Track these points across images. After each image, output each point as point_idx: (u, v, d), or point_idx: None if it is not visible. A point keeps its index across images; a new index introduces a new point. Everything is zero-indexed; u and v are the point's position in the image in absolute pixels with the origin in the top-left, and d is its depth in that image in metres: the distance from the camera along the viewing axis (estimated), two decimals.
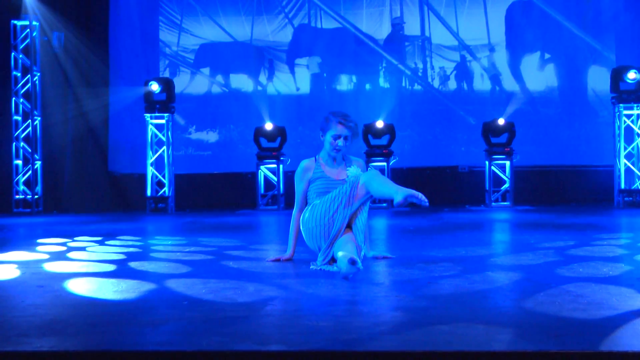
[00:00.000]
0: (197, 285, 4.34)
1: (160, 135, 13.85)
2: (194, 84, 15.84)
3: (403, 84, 15.61)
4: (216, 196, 14.81)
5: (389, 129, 13.94)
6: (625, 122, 13.18)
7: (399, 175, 14.24)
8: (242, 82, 15.89)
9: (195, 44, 15.84)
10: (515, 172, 13.43)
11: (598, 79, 14.76)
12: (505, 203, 13.46)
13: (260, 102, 15.25)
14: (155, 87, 13.60)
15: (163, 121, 13.84)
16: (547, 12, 15.05)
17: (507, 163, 13.40)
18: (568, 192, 14.00)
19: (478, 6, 15.30)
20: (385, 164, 13.83)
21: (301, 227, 5.39)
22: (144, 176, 13.91)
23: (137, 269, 5.21)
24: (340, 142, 5.41)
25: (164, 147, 13.84)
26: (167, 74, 15.48)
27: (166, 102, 13.71)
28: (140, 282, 4.53)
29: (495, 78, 15.28)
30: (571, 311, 3.39)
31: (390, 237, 8.24)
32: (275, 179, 14.05)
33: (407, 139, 15.08)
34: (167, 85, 13.77)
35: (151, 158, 13.83)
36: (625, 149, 13.20)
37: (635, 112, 13.12)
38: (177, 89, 14.40)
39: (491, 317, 3.37)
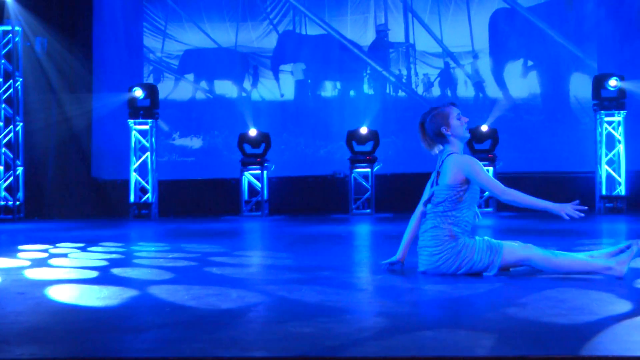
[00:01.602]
0: (180, 292, 4.32)
1: (143, 141, 13.82)
2: (178, 90, 15.82)
3: (387, 91, 15.66)
4: (200, 202, 14.78)
5: (373, 135, 13.96)
6: (606, 128, 13.27)
7: (382, 182, 14.28)
8: (226, 88, 15.89)
9: (179, 49, 15.83)
10: (498, 179, 13.46)
11: (580, 86, 14.86)
12: (488, 209, 13.52)
13: (245, 108, 15.25)
14: (139, 93, 13.57)
15: (147, 127, 13.80)
16: (530, 20, 15.14)
17: (491, 169, 13.45)
18: (550, 198, 13.99)
19: (462, 13, 15.37)
20: (369, 170, 13.86)
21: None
22: (127, 182, 13.86)
23: (120, 276, 5.19)
24: (462, 116, 5.04)
25: (148, 153, 13.81)
26: (151, 80, 15.46)
27: (150, 108, 13.68)
28: (123, 288, 4.51)
29: (478, 85, 15.35)
30: (553, 316, 3.40)
31: (374, 243, 8.24)
32: (259, 185, 14.04)
33: (391, 145, 15.11)
34: (151, 91, 13.75)
35: (134, 164, 13.78)
36: (606, 155, 13.28)
37: (616, 119, 13.21)
38: (161, 94, 14.38)
39: (474, 322, 3.38)
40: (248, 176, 14.18)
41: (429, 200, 4.97)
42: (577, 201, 4.71)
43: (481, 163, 4.94)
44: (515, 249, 4.78)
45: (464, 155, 4.97)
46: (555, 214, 4.74)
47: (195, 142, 15.73)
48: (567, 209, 4.66)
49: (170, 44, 15.85)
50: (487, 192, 5.00)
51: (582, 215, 4.67)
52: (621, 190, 13.18)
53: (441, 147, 5.06)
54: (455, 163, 4.89)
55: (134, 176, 13.78)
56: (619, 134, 13.21)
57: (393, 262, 5.16)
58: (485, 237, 4.87)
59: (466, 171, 4.85)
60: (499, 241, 4.84)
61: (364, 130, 14.01)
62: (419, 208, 5.16)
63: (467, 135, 5.03)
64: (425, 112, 5.17)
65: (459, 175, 4.86)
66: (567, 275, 4.69)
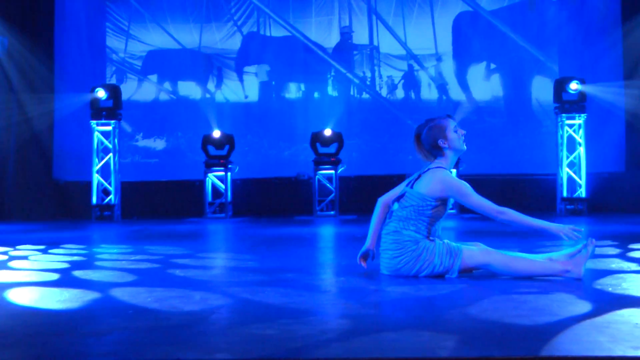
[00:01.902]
0: (142, 294, 4.30)
1: (106, 142, 13.71)
2: (141, 91, 15.72)
3: (351, 93, 15.69)
4: (163, 204, 14.69)
5: (337, 137, 13.98)
6: (567, 131, 13.41)
7: (347, 184, 14.31)
8: (190, 89, 15.82)
9: (142, 50, 15.73)
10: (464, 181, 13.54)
11: (542, 89, 15.00)
12: (451, 211, 13.60)
13: (209, 110, 15.19)
14: (101, 93, 13.45)
15: (109, 128, 13.69)
16: (492, 23, 15.26)
17: (454, 171, 13.52)
18: (512, 200, 14.08)
19: (426, 16, 15.45)
20: (333, 172, 13.88)
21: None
22: (89, 184, 13.73)
23: (81, 278, 5.14)
24: (459, 128, 5.03)
25: (110, 155, 13.69)
26: (113, 81, 15.34)
27: (113, 108, 13.56)
28: (84, 291, 4.47)
29: (442, 87, 15.44)
30: (514, 317, 3.43)
31: (338, 245, 8.26)
32: (223, 186, 13.99)
33: (355, 147, 15.14)
34: (114, 92, 13.63)
35: (97, 165, 13.66)
36: (567, 157, 13.42)
37: (577, 122, 13.35)
38: (124, 95, 14.27)
39: (437, 324, 3.40)
40: (212, 178, 14.13)
41: (398, 199, 4.98)
42: (573, 226, 4.74)
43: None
44: (474, 254, 4.81)
45: (453, 177, 4.96)
46: (552, 234, 4.76)
47: (158, 144, 15.64)
48: (565, 230, 4.71)
49: (134, 45, 15.74)
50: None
51: (579, 236, 4.72)
52: (582, 192, 13.33)
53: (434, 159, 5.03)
54: (442, 180, 4.88)
55: (96, 178, 13.65)
56: (579, 137, 13.35)
57: (364, 251, 5.15)
58: (446, 241, 4.89)
59: (454, 193, 4.87)
60: (458, 245, 4.87)
61: (328, 132, 14.02)
62: (385, 198, 5.18)
63: (464, 147, 5.03)
64: (421, 124, 5.13)
65: (440, 193, 4.87)
66: (527, 277, 4.73)
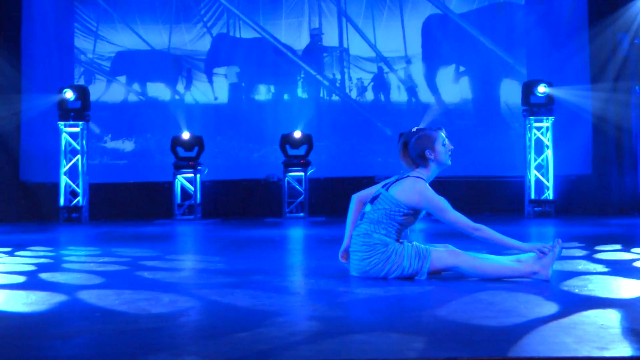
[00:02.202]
0: (110, 297, 4.27)
1: (74, 143, 13.60)
2: (110, 92, 15.63)
3: (321, 95, 15.71)
4: (132, 206, 14.60)
5: (307, 139, 13.99)
6: (535, 134, 13.52)
7: (316, 186, 14.32)
8: (159, 90, 15.75)
9: (111, 51, 15.63)
10: (432, 184, 13.61)
11: (510, 92, 15.12)
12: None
13: (178, 111, 15.13)
14: (69, 94, 13.35)
15: (77, 129, 13.59)
16: (462, 26, 15.36)
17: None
18: (481, 202, 14.25)
19: (395, 19, 15.51)
20: (302, 174, 13.89)
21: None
22: (57, 185, 13.62)
23: (48, 281, 5.10)
24: (448, 142, 5.05)
25: (78, 156, 13.59)
26: (82, 82, 15.23)
27: (81, 110, 13.46)
28: (51, 293, 4.43)
29: (411, 90, 15.50)
30: (482, 319, 3.45)
31: (307, 247, 8.26)
32: (193, 188, 13.94)
33: (325, 149, 15.15)
34: (82, 93, 13.54)
35: (65, 167, 13.56)
36: (535, 160, 13.54)
37: (545, 124, 13.47)
38: (93, 97, 14.17)
39: (405, 325, 3.41)
40: (181, 179, 14.07)
41: (372, 200, 4.98)
42: (544, 244, 4.79)
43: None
44: (443, 256, 4.83)
45: (432, 191, 4.91)
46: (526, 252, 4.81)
47: (127, 145, 15.55)
48: (538, 247, 4.77)
49: (102, 46, 15.64)
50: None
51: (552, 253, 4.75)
52: (549, 194, 13.44)
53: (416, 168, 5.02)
54: (420, 193, 4.87)
55: (64, 179, 13.54)
56: (547, 140, 13.47)
57: (344, 249, 5.13)
58: (415, 243, 4.90)
59: (430, 208, 4.86)
60: (427, 247, 4.88)
61: (297, 134, 14.02)
62: (360, 195, 5.19)
63: (449, 162, 5.05)
64: (410, 132, 5.11)
65: (416, 204, 4.87)
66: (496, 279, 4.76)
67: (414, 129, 5.16)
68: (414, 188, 4.88)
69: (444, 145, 5.01)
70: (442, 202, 4.85)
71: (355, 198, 5.23)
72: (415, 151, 5.00)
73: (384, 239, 4.85)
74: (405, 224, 4.92)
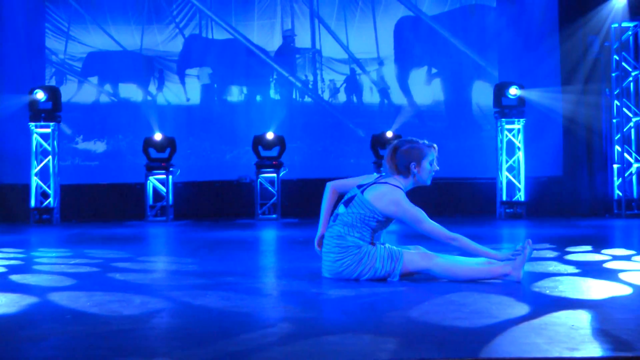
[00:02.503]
0: (81, 299, 4.24)
1: (45, 144, 13.50)
2: (81, 93, 15.51)
3: (294, 96, 15.70)
4: (104, 207, 14.51)
5: (279, 141, 13.98)
6: (507, 136, 13.61)
7: (289, 187, 14.31)
8: (131, 91, 15.66)
9: (82, 52, 15.52)
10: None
11: (482, 94, 15.20)
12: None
13: (150, 112, 15.05)
14: (40, 95, 13.25)
15: (49, 130, 13.49)
16: (434, 28, 15.41)
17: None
18: (452, 204, 14.32)
19: (367, 20, 15.54)
20: (275, 175, 13.87)
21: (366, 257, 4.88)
22: (27, 187, 13.50)
23: (19, 282, 5.05)
24: (435, 164, 5.05)
25: (50, 157, 13.49)
26: (53, 82, 15.10)
27: (52, 111, 13.36)
28: (22, 295, 4.39)
29: (384, 91, 15.54)
30: (454, 320, 3.47)
31: (280, 248, 8.25)
32: (165, 190, 13.87)
33: (297, 150, 15.15)
34: (53, 93, 13.43)
35: (35, 168, 13.45)
36: (507, 162, 13.63)
37: (516, 126, 13.57)
38: (64, 97, 14.06)
39: (378, 327, 3.42)
40: (153, 181, 14.00)
41: (346, 203, 4.98)
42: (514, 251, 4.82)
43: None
44: (415, 258, 4.84)
45: (408, 202, 4.87)
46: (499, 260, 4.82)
47: (99, 146, 15.45)
48: (509, 256, 4.80)
49: (74, 46, 15.52)
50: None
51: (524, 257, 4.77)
52: (521, 196, 13.54)
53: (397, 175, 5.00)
54: (397, 203, 4.85)
55: (34, 180, 13.43)
56: (518, 141, 13.56)
57: (319, 237, 5.12)
58: (387, 245, 4.91)
59: (407, 218, 4.85)
60: (400, 249, 4.89)
61: (270, 135, 14.01)
62: (335, 183, 5.18)
63: (428, 183, 5.06)
64: (404, 139, 5.10)
65: (392, 214, 4.87)
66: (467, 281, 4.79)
67: (409, 138, 5.14)
68: (391, 198, 4.85)
69: (430, 164, 4.99)
70: (418, 214, 4.84)
71: (330, 186, 5.21)
72: (402, 161, 4.96)
73: (357, 241, 4.85)
74: (379, 228, 4.93)
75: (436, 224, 4.84)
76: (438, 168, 5.06)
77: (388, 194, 4.86)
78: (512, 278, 4.72)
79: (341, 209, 4.97)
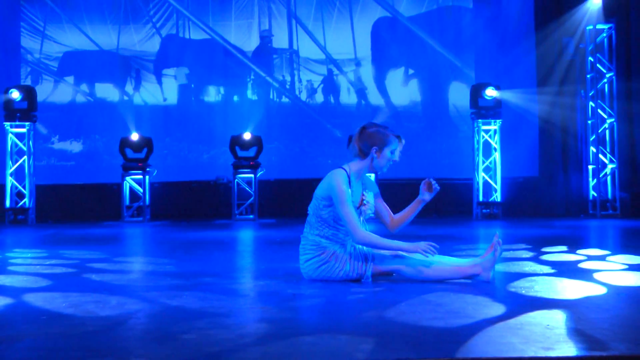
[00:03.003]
0: (57, 299, 4.22)
1: (20, 144, 13.41)
2: (57, 92, 15.41)
3: (271, 96, 15.69)
4: (80, 208, 14.43)
5: (257, 141, 13.96)
6: (483, 137, 13.68)
7: (266, 187, 14.30)
8: (107, 91, 15.58)
9: (58, 51, 15.42)
10: (380, 185, 13.69)
11: (459, 95, 15.26)
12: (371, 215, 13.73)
13: (127, 112, 14.99)
14: (15, 94, 13.16)
15: (24, 130, 13.40)
16: (411, 29, 15.45)
17: (372, 176, 13.64)
18: (429, 204, 14.24)
19: (345, 21, 15.56)
20: (252, 175, 13.85)
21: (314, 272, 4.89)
22: (2, 187, 13.41)
23: None
24: (397, 155, 5.05)
25: (25, 157, 13.40)
26: (28, 82, 14.99)
27: (27, 110, 13.28)
28: None
29: (361, 92, 15.56)
30: (430, 320, 3.49)
31: (257, 249, 8.24)
32: (141, 190, 13.82)
33: (275, 151, 15.14)
34: (29, 93, 13.35)
35: (11, 168, 13.35)
36: (483, 162, 13.69)
37: (492, 127, 13.64)
38: (40, 97, 13.98)
39: (354, 327, 3.42)
40: (129, 181, 13.93)
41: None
42: (428, 242, 4.77)
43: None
44: (386, 259, 4.83)
45: (340, 181, 4.84)
46: (411, 252, 4.79)
47: (75, 146, 15.36)
48: (421, 246, 4.74)
49: (50, 46, 15.43)
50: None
51: (435, 251, 4.73)
52: (497, 196, 13.61)
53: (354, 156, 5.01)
54: (330, 180, 4.87)
55: (10, 180, 13.34)
56: (495, 142, 13.63)
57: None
58: (358, 246, 4.90)
59: (333, 196, 4.82)
60: (370, 250, 4.88)
61: (247, 135, 13.99)
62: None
63: (384, 171, 5.07)
64: (376, 123, 5.11)
65: (326, 191, 4.86)
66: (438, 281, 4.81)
67: (381, 123, 5.17)
68: (328, 178, 4.89)
69: (391, 153, 4.99)
70: (342, 194, 4.79)
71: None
72: (366, 141, 4.97)
73: (318, 239, 4.85)
74: (329, 217, 4.88)
75: (353, 214, 4.78)
76: (398, 159, 5.06)
77: (328, 177, 4.91)
78: (482, 278, 4.74)
79: (310, 210, 4.98)
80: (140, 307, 3.96)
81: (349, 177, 4.92)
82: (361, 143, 4.98)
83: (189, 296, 4.32)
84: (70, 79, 15.53)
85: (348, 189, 4.84)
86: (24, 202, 13.34)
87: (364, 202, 4.94)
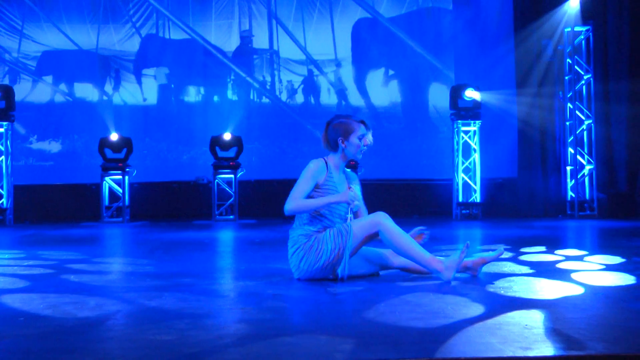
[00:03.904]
0: (35, 301, 4.19)
1: None
2: (35, 92, 15.32)
3: (251, 97, 15.67)
4: (59, 208, 14.35)
5: (237, 141, 13.94)
6: (463, 137, 13.73)
7: (246, 188, 14.28)
8: (87, 91, 15.51)
9: (37, 50, 15.33)
10: (363, 185, 13.71)
11: (438, 96, 15.31)
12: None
13: (106, 112, 14.92)
14: None
15: (2, 130, 13.31)
16: (391, 30, 15.49)
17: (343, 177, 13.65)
18: (409, 205, 14.41)
19: (325, 22, 15.57)
20: (232, 176, 13.83)
21: (301, 263, 4.92)
22: None
23: None
24: (369, 139, 5.06)
25: (3, 157, 13.30)
26: (6, 81, 14.89)
27: (5, 110, 13.19)
28: None
29: (341, 93, 15.58)
30: (410, 320, 3.50)
31: (237, 249, 8.23)
32: (121, 190, 13.76)
33: (255, 151, 15.13)
34: (7, 92, 13.26)
35: None
36: (463, 163, 13.74)
37: (472, 128, 13.69)
38: (18, 97, 13.89)
39: (334, 328, 3.42)
40: (109, 181, 13.87)
41: None
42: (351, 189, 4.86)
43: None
44: (364, 225, 4.86)
45: (310, 166, 4.99)
46: (341, 203, 4.89)
47: (53, 146, 15.27)
48: (346, 195, 4.84)
49: (28, 45, 15.33)
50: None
51: (355, 201, 4.84)
52: (476, 197, 13.66)
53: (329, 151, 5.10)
54: (306, 167, 5.00)
55: None
56: (474, 143, 13.69)
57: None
58: (337, 225, 4.94)
59: (299, 178, 4.96)
60: (348, 223, 4.92)
61: (227, 136, 13.97)
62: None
63: (359, 157, 5.09)
64: (339, 114, 5.20)
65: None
66: (405, 264, 4.83)
67: (343, 114, 5.24)
68: (306, 166, 4.99)
69: (360, 139, 5.03)
70: (308, 172, 4.94)
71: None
72: (331, 135, 5.07)
73: (305, 228, 4.91)
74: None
75: (302, 192, 4.88)
76: (370, 142, 5.09)
77: (306, 167, 4.99)
78: (443, 277, 4.78)
79: None
80: (119, 308, 3.94)
81: (327, 166, 5.02)
82: (328, 138, 5.09)
83: (168, 297, 4.31)
84: (48, 79, 15.45)
85: (318, 174, 4.96)
86: (2, 203, 13.24)
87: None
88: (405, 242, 4.82)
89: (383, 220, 4.84)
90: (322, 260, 4.85)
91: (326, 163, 5.04)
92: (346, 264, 4.82)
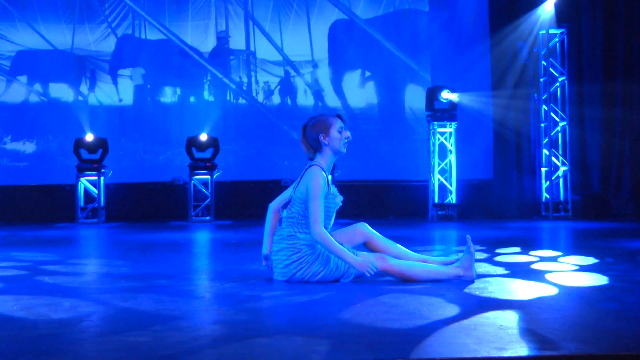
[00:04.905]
0: (8, 302, 4.16)
1: None
2: (9, 92, 15.20)
3: (228, 98, 15.64)
4: (33, 209, 14.24)
5: (213, 142, 13.91)
6: (439, 139, 13.77)
7: (222, 189, 14.25)
8: (61, 91, 15.41)
9: (11, 50, 15.21)
10: (338, 186, 13.71)
11: (415, 98, 15.34)
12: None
13: (81, 113, 14.83)
14: None
15: None
16: (367, 31, 15.52)
17: (329, 177, 13.65)
18: (385, 206, 14.44)
19: (302, 23, 15.57)
20: (209, 177, 13.79)
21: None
22: None
23: None
24: (348, 133, 5.03)
25: None
26: None
27: None
28: None
29: (318, 94, 15.58)
30: (385, 321, 3.51)
31: (213, 251, 8.21)
32: (96, 191, 13.68)
33: (231, 152, 15.10)
34: None
35: None
36: (439, 164, 13.78)
37: (448, 129, 13.73)
38: None
39: (310, 329, 3.43)
40: (84, 182, 13.79)
41: (285, 206, 5.00)
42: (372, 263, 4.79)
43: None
44: (370, 258, 4.87)
45: (320, 177, 4.89)
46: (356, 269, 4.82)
47: (28, 147, 15.16)
48: (365, 267, 4.76)
49: (2, 44, 15.20)
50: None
51: (372, 272, 4.75)
52: (452, 198, 13.71)
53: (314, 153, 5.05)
54: (309, 178, 4.89)
55: None
56: (450, 145, 13.73)
57: (264, 255, 5.15)
58: (345, 246, 4.92)
59: (309, 190, 4.85)
60: (355, 251, 4.92)
61: (204, 137, 13.93)
62: (275, 204, 5.18)
63: (344, 150, 5.05)
64: (311, 116, 5.16)
65: (307, 190, 4.90)
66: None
67: (315, 114, 5.23)
68: (307, 176, 4.91)
69: (339, 132, 5.03)
70: (317, 189, 4.84)
71: (271, 207, 5.20)
72: (311, 135, 5.03)
73: (308, 237, 4.86)
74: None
75: (321, 211, 4.82)
76: (349, 134, 5.07)
77: (308, 176, 4.91)
78: (466, 278, 4.84)
79: (284, 212, 4.99)
80: (94, 310, 3.93)
81: (325, 173, 4.98)
82: (308, 139, 5.06)
83: (143, 298, 4.29)
84: (23, 79, 15.33)
85: (325, 186, 4.90)
86: None
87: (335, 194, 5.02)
88: (418, 273, 4.85)
89: (389, 265, 4.85)
90: (318, 277, 4.85)
91: (324, 171, 4.97)
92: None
